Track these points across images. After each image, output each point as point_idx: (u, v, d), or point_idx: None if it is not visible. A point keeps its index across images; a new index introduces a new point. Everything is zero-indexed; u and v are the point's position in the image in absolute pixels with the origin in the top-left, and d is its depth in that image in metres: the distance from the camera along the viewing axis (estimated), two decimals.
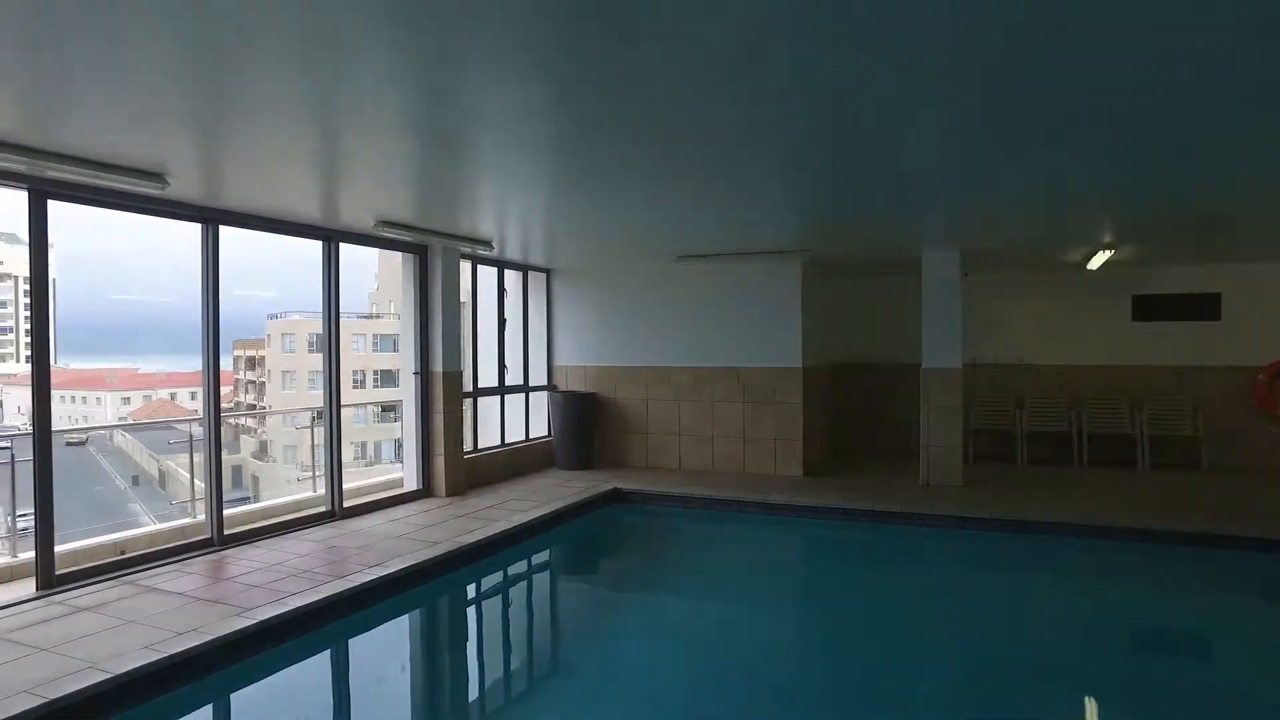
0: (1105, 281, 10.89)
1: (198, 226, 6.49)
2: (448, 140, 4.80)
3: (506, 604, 6.90)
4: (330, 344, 7.66)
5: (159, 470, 44.23)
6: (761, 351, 10.38)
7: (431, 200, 6.72)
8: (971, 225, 8.05)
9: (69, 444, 53.68)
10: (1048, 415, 11.28)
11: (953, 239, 8.91)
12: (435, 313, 8.78)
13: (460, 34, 3.06)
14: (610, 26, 3.00)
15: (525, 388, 10.96)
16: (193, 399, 65.45)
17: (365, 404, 45.83)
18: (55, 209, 5.42)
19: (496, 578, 7.16)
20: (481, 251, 9.10)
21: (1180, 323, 10.77)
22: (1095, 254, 9.19)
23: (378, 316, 52.27)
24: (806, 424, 10.32)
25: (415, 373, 8.74)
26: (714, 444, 10.76)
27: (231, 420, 57.78)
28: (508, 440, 10.60)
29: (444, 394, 8.79)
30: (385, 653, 5.71)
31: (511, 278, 10.93)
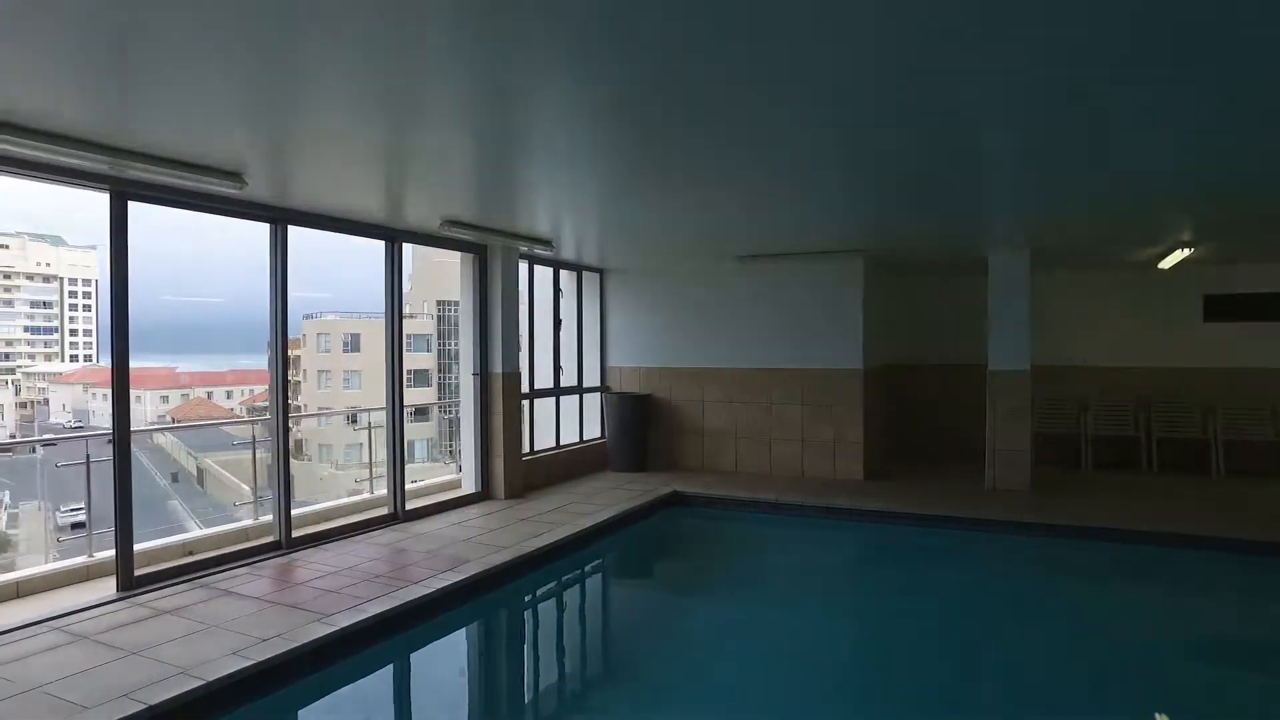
0: (1175, 280, 10.56)
1: (257, 226, 6.43)
2: (513, 141, 4.79)
3: (582, 610, 6.78)
4: (393, 343, 7.60)
5: (197, 468, 44.80)
6: (822, 352, 10.17)
7: (496, 200, 6.64)
8: (1045, 225, 7.83)
9: (109, 442, 54.68)
10: (1113, 419, 10.94)
11: (1024, 238, 8.66)
12: (494, 313, 8.69)
13: (527, 39, 3.13)
14: (673, 35, 3.02)
15: (579, 389, 10.85)
16: (228, 398, 66.49)
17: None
18: (100, 213, 5.37)
19: (569, 583, 7.05)
20: (539, 250, 8.99)
21: (1257, 323, 10.39)
22: (1171, 253, 8.88)
23: (411, 317, 52.55)
24: (866, 426, 10.10)
25: (474, 374, 8.65)
26: (771, 446, 10.57)
27: (267, 418, 58.69)
28: (562, 442, 10.47)
29: (504, 395, 8.69)
30: (466, 659, 5.63)
31: (565, 278, 10.82)
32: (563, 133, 4.60)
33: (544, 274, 10.25)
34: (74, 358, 71.95)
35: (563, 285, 10.67)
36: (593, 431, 11.10)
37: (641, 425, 10.78)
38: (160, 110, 4.11)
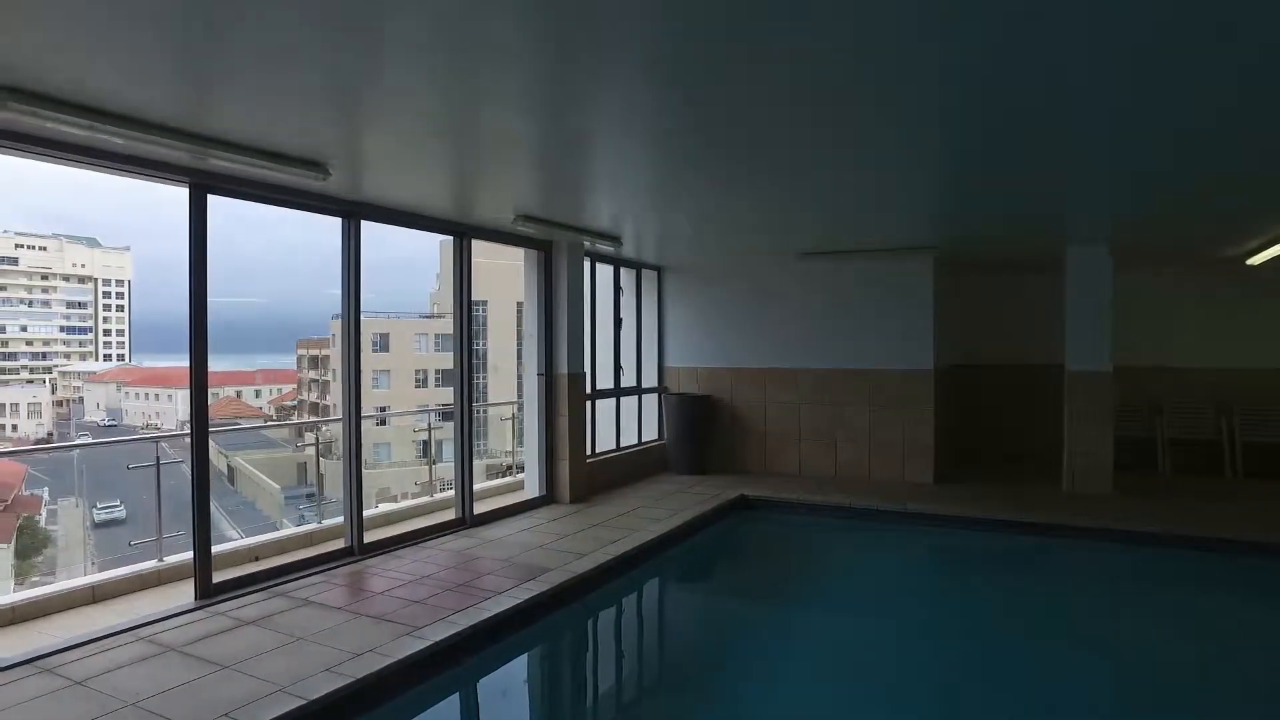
0: (1261, 276, 10.09)
1: (290, 228, 6.21)
2: (587, 135, 4.66)
3: (672, 619, 6.50)
4: (462, 343, 7.36)
5: (228, 466, 45.01)
6: (890, 352, 9.83)
7: (570, 194, 6.43)
8: (1130, 220, 7.48)
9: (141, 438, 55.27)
10: (1191, 421, 10.50)
11: (1105, 233, 8.31)
12: (560, 311, 8.44)
13: (595, 37, 3.13)
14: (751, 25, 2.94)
15: (638, 390, 10.58)
16: (257, 396, 66.98)
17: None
18: (137, 215, 5.16)
19: (652, 591, 6.81)
20: (602, 246, 8.73)
21: None
22: (1268, 247, 8.45)
23: (439, 316, 52.54)
24: (936, 428, 9.75)
25: (539, 374, 8.40)
26: (837, 448, 10.24)
27: (296, 418, 59.09)
28: (621, 444, 10.21)
29: (570, 397, 8.44)
30: (563, 673, 5.37)
31: (623, 276, 10.55)
32: (637, 127, 4.47)
33: (603, 272, 9.98)
34: (107, 357, 72.79)
35: (622, 283, 10.38)
36: (649, 433, 10.82)
37: (702, 427, 10.49)
38: (247, 101, 3.93)
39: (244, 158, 4.61)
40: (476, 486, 8.81)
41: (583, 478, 8.67)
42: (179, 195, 5.10)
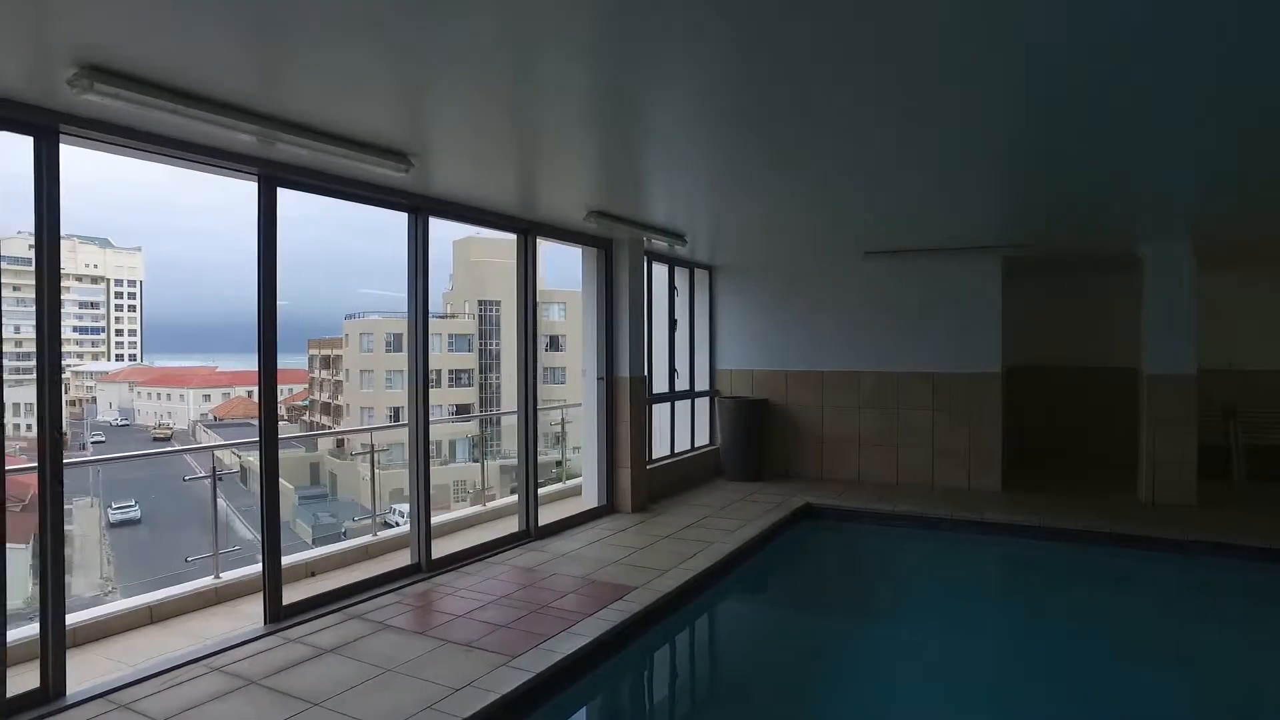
0: None
1: (296, 230, 5.83)
2: (657, 130, 4.43)
3: (767, 635, 6.05)
4: (526, 343, 6.98)
5: (241, 466, 44.83)
6: (956, 354, 9.42)
7: (638, 189, 6.09)
8: (1213, 218, 7.09)
9: (155, 439, 55.09)
10: (1268, 426, 10.06)
11: (1188, 230, 7.90)
12: (621, 312, 8.05)
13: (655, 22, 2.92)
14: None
15: (691, 393, 10.19)
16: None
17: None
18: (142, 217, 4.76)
19: (741, 608, 6.45)
20: (662, 243, 8.33)
21: None
22: None
23: (453, 316, 52.26)
24: (1004, 433, 9.34)
25: (600, 378, 8.01)
26: (899, 453, 9.83)
27: (306, 418, 58.90)
28: (675, 450, 9.82)
29: (632, 402, 8.05)
30: (668, 702, 4.96)
31: (677, 276, 10.15)
32: (703, 120, 4.27)
33: (657, 271, 9.58)
34: (119, 357, 72.70)
35: (676, 283, 9.99)
36: (700, 438, 10.43)
37: (758, 432, 10.10)
38: (327, 84, 3.61)
39: (328, 146, 4.23)
40: (514, 498, 8.48)
41: (643, 486, 8.28)
42: (189, 198, 4.72)
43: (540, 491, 8.64)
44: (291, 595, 5.11)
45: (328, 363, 56.94)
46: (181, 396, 63.73)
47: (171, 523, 32.13)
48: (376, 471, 7.26)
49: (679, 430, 10.07)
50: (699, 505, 8.54)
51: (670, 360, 9.65)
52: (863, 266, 9.61)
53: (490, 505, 8.27)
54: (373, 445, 7.22)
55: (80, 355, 66.64)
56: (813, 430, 10.27)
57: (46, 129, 3.75)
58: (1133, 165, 5.28)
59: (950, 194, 6.19)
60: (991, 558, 7.72)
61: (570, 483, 9.22)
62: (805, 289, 10.22)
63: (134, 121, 3.87)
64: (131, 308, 76.48)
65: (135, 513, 34.29)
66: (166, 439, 55.55)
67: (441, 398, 48.27)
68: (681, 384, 10.06)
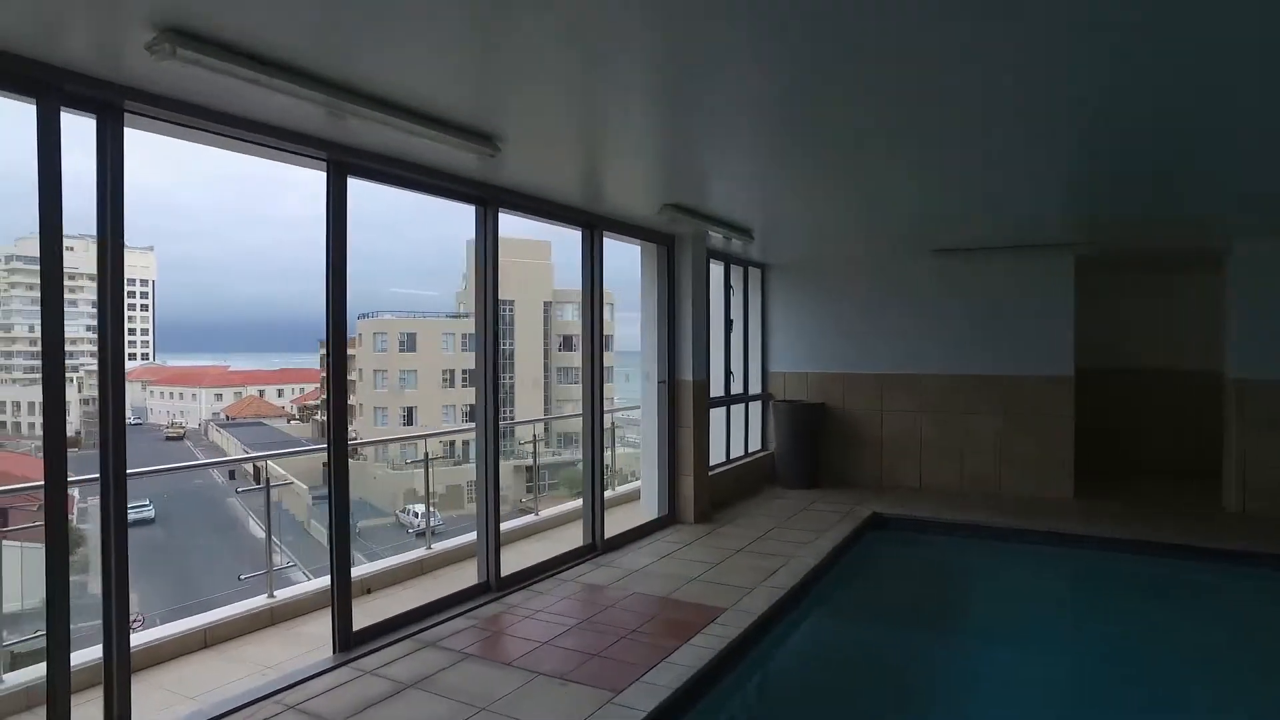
0: None
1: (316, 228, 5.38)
2: (724, 108, 3.98)
3: (873, 655, 5.57)
4: (592, 343, 6.55)
5: (253, 466, 44.51)
6: (1026, 357, 8.96)
7: (709, 181, 5.69)
8: None
9: (168, 438, 54.96)
10: None
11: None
12: (684, 313, 7.63)
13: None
14: None
15: (745, 397, 9.76)
16: (279, 396, 66.63)
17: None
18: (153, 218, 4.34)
19: (838, 626, 5.99)
20: (726, 239, 7.90)
21: None
22: None
23: (466, 316, 51.97)
24: (1077, 439, 8.88)
25: (661, 381, 7.58)
26: (963, 460, 9.37)
27: (319, 417, 58.64)
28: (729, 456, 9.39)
29: (695, 406, 7.62)
30: None
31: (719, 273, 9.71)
32: (776, 107, 3.97)
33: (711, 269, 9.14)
34: (131, 356, 72.58)
35: (732, 282, 9.55)
36: (752, 443, 10.00)
37: (814, 437, 9.66)
38: (418, 58, 3.26)
39: (415, 125, 3.81)
40: (565, 506, 8.09)
41: (705, 495, 7.85)
42: (201, 198, 4.27)
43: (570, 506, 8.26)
44: (357, 619, 4.69)
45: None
46: (194, 396, 63.68)
47: (185, 523, 31.88)
48: (430, 476, 6.83)
49: (732, 436, 9.63)
50: (761, 515, 8.11)
51: (725, 362, 9.21)
52: (925, 265, 9.17)
53: (543, 514, 7.87)
54: (427, 453, 6.80)
55: (93, 354, 66.41)
56: (871, 435, 9.82)
57: (111, 106, 3.35)
58: (1234, 161, 4.94)
59: (1028, 185, 5.77)
60: (1082, 572, 7.26)
61: (621, 489, 8.81)
62: (864, 288, 9.77)
63: (202, 96, 3.47)
64: (144, 307, 76.32)
65: (149, 512, 34.03)
66: (179, 438, 55.35)
67: (456, 398, 48.02)
68: (735, 387, 9.62)
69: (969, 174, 5.43)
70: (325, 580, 5.52)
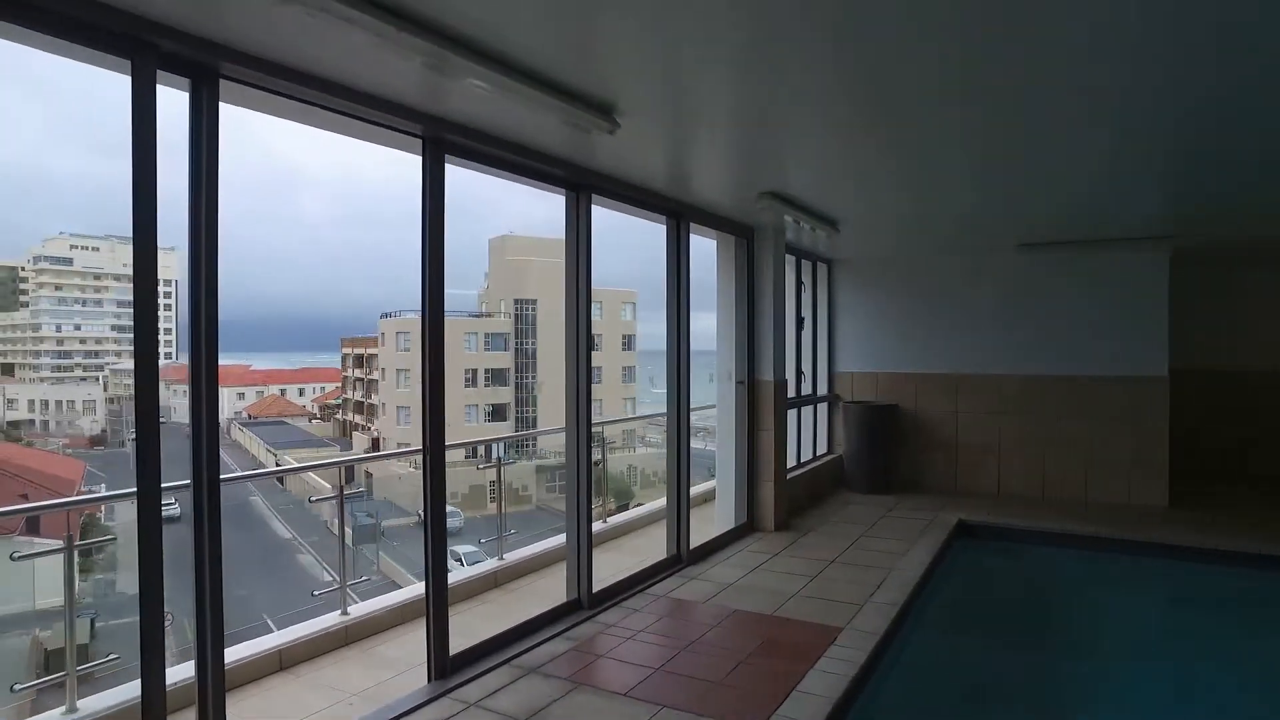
0: None
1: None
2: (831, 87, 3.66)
3: (1006, 679, 5.16)
4: (678, 341, 6.12)
5: (276, 464, 44.41)
6: (1116, 357, 8.46)
7: (806, 169, 5.25)
8: None
9: (188, 437, 55.15)
10: None
11: None
12: (764, 309, 7.20)
13: None
14: None
15: (814, 398, 9.31)
16: (300, 395, 66.77)
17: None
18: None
19: (953, 644, 5.54)
20: (794, 227, 7.46)
21: None
22: None
23: (489, 315, 51.75)
24: (1172, 442, 8.37)
25: (740, 381, 7.15)
26: (1045, 464, 8.88)
27: (339, 416, 58.63)
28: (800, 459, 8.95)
29: (775, 408, 7.19)
30: None
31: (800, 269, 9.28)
32: (880, 87, 3.64)
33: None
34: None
35: (803, 277, 9.11)
36: (819, 446, 9.56)
37: (887, 440, 9.19)
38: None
39: (537, 91, 3.39)
40: (632, 514, 7.70)
41: (785, 501, 7.42)
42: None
43: (651, 506, 7.86)
44: (459, 647, 4.29)
45: (361, 361, 56.74)
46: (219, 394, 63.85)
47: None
48: (501, 484, 6.44)
49: (801, 439, 9.19)
50: (840, 522, 7.66)
51: (797, 362, 8.77)
52: (1007, 260, 8.70)
53: (611, 521, 7.47)
54: (499, 459, 6.39)
55: (118, 354, 66.77)
56: (944, 438, 9.34)
57: (207, 70, 2.96)
58: None
59: (1127, 173, 5.37)
60: (1195, 587, 6.76)
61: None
62: (938, 285, 9.30)
63: (298, 57, 3.07)
64: (167, 306, 76.71)
65: (175, 509, 33.94)
66: None
67: (478, 398, 47.85)
68: (804, 388, 9.18)
69: (1068, 161, 5.05)
70: (398, 595, 5.18)
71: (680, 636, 4.68)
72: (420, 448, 4.12)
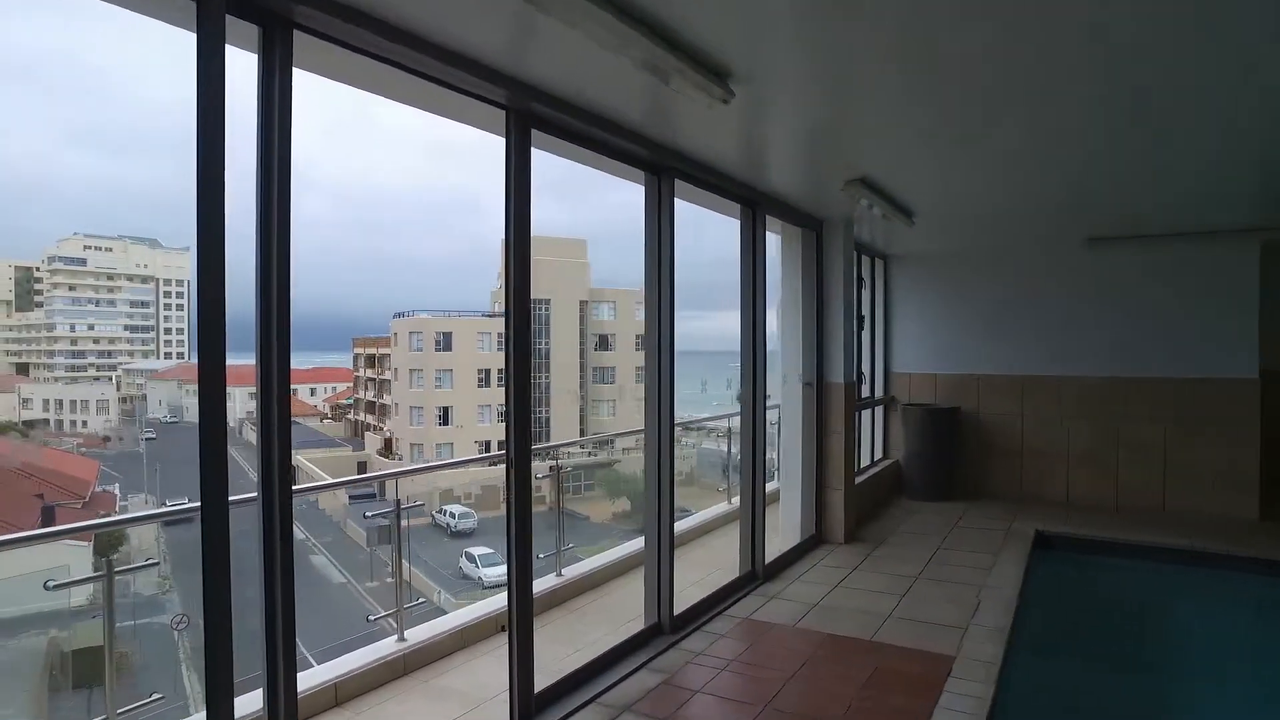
0: None
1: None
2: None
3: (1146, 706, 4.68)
4: (753, 337, 5.65)
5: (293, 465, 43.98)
6: (1198, 357, 7.95)
7: (894, 153, 4.74)
8: None
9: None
10: None
11: None
12: (834, 307, 6.73)
13: None
14: None
15: (872, 400, 8.83)
16: (311, 395, 66.49)
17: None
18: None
19: (1067, 669, 5.07)
20: (878, 214, 6.99)
21: None
22: None
23: (502, 315, 51.42)
24: (1263, 449, 7.84)
25: (807, 383, 6.68)
26: (1119, 472, 8.37)
27: (351, 416, 58.30)
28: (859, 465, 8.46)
29: (845, 412, 6.71)
30: None
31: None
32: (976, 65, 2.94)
33: None
34: (168, 355, 72.74)
35: (862, 274, 8.62)
36: (875, 451, 9.08)
37: (950, 445, 8.71)
38: None
39: (654, 43, 2.92)
40: (690, 522, 7.24)
41: (854, 511, 6.94)
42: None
43: (704, 515, 7.42)
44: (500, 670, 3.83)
45: (372, 361, 56.49)
46: (229, 395, 63.64)
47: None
48: (560, 495, 5.97)
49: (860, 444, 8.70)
50: (910, 533, 7.19)
51: (857, 363, 8.28)
52: (1078, 255, 8.19)
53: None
54: (558, 466, 5.94)
55: (131, 354, 66.74)
56: (1009, 443, 8.84)
57: (278, 18, 2.51)
58: None
59: (1220, 159, 4.89)
60: None
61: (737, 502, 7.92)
62: (1002, 281, 8.81)
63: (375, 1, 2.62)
64: (180, 306, 76.61)
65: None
66: None
67: (491, 398, 47.60)
68: (864, 390, 8.70)
69: (1161, 150, 4.62)
70: (455, 618, 4.74)
71: (778, 667, 4.21)
72: (502, 455, 3.66)
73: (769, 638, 4.65)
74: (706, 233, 8.06)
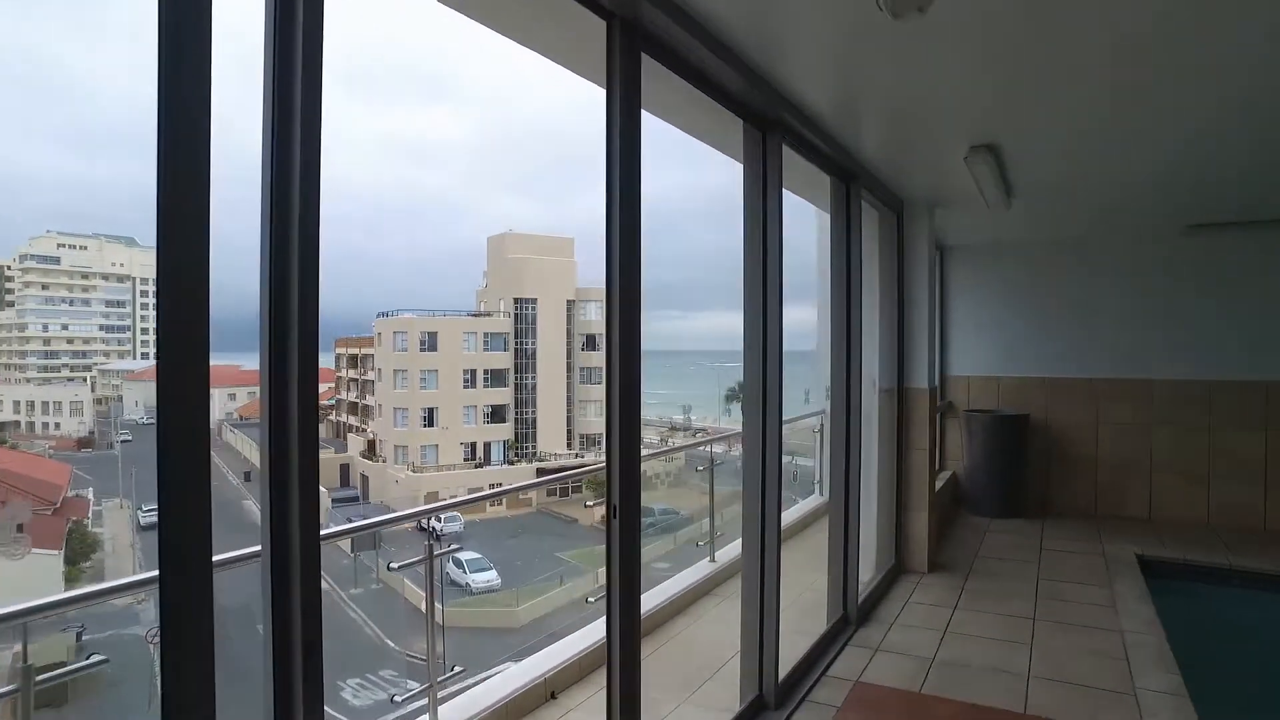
0: None
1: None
2: None
3: None
4: (847, 329, 4.74)
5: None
6: None
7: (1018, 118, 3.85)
8: None
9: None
10: None
11: None
12: (918, 302, 5.84)
13: None
14: None
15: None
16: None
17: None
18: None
19: None
20: (984, 193, 6.11)
21: None
22: None
23: (488, 314, 50.28)
24: None
25: (886, 389, 5.78)
26: (1210, 486, 7.54)
27: (333, 418, 57.02)
28: None
29: (929, 421, 5.83)
30: None
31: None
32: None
33: None
34: (144, 355, 70.94)
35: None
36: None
37: (1017, 456, 7.85)
38: None
39: None
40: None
41: (936, 535, 6.05)
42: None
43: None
44: None
45: (355, 362, 55.26)
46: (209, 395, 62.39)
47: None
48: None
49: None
50: (994, 559, 6.32)
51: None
52: (1170, 244, 7.37)
53: (720, 559, 6.08)
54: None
55: (106, 354, 64.87)
56: (1083, 453, 7.99)
57: None
58: None
59: None
60: None
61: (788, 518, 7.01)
62: (1075, 275, 7.96)
63: None
64: (157, 307, 74.79)
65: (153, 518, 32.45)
66: None
67: (477, 398, 46.77)
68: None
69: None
70: (490, 692, 3.80)
71: None
72: (562, 478, 2.70)
73: (894, 709, 3.74)
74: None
